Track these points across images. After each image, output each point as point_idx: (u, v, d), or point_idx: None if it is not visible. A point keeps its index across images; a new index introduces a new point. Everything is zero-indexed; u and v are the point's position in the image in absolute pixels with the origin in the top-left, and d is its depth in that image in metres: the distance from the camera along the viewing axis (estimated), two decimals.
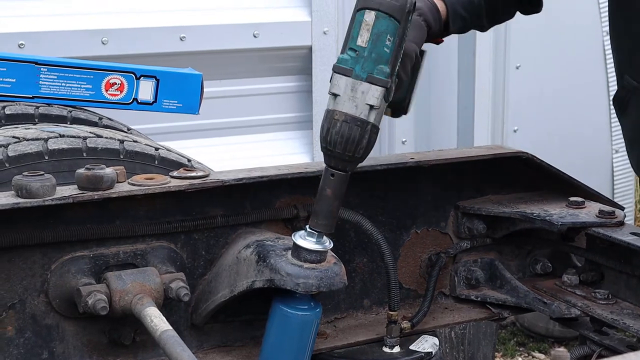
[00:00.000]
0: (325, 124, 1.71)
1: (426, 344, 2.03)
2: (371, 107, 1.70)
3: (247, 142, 3.67)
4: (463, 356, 3.49)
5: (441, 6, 2.08)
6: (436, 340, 2.05)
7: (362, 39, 1.69)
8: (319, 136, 1.75)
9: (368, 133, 1.71)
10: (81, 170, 1.74)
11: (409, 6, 1.70)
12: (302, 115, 3.76)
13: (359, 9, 1.71)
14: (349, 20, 1.72)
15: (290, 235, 1.79)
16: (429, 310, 2.10)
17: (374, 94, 1.69)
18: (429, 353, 2.01)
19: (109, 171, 1.75)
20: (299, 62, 3.67)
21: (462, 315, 2.18)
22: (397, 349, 1.99)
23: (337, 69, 1.72)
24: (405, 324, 2.02)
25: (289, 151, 3.70)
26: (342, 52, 1.72)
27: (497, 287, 2.19)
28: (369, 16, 1.69)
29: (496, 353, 3.91)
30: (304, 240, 1.75)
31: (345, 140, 1.69)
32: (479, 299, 2.19)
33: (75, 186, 1.74)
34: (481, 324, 3.49)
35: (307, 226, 1.76)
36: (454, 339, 3.49)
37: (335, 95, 1.71)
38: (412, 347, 2.01)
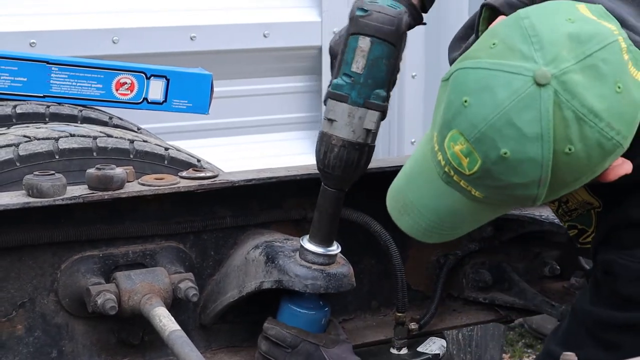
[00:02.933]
0: (322, 148, 1.70)
1: (434, 345, 2.03)
2: (368, 131, 1.68)
3: (257, 141, 3.67)
4: (471, 358, 3.50)
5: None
6: (444, 342, 2.05)
7: (358, 66, 1.64)
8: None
9: (365, 154, 1.70)
10: (91, 170, 1.75)
11: (404, 27, 1.65)
12: (311, 115, 3.76)
13: (352, 34, 1.64)
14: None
15: (299, 236, 1.80)
16: (436, 312, 2.09)
17: (371, 118, 1.67)
18: (437, 355, 2.01)
19: (119, 171, 1.76)
20: (309, 62, 3.67)
21: (470, 317, 2.18)
22: (404, 351, 1.99)
23: (332, 95, 1.67)
24: (413, 326, 2.02)
25: (297, 151, 3.69)
26: (335, 77, 1.67)
27: (505, 289, 2.18)
28: (364, 42, 1.63)
29: (504, 355, 3.91)
30: (312, 244, 1.76)
31: (344, 164, 1.69)
32: (486, 301, 2.19)
33: (86, 186, 1.75)
34: (489, 326, 3.50)
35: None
36: (462, 341, 3.50)
37: (331, 121, 1.68)
38: (419, 348, 2.01)
